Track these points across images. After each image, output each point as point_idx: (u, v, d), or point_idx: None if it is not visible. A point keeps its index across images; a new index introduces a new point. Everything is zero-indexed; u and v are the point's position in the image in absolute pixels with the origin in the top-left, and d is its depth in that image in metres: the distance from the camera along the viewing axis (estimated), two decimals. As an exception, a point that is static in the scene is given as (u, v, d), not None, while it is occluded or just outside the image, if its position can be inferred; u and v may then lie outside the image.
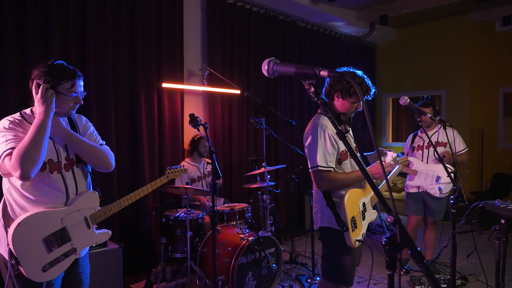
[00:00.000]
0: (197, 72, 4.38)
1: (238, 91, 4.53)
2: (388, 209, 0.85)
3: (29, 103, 1.70)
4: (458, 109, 6.25)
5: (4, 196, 1.68)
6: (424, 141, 3.74)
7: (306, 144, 2.11)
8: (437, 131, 3.69)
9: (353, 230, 2.01)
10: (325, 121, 2.09)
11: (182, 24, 4.11)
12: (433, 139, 3.66)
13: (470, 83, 6.14)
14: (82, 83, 1.73)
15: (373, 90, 2.12)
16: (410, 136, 3.94)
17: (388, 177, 2.49)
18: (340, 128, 0.87)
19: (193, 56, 4.36)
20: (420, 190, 3.66)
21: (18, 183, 1.62)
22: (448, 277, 3.12)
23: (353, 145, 2.30)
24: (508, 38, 6.07)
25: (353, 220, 2.03)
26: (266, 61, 1.02)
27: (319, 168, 1.99)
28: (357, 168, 2.23)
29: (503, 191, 5.75)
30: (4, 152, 1.54)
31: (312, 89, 0.89)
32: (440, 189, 3.54)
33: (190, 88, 4.28)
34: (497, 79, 6.16)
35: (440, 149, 3.61)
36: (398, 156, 2.72)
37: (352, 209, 2.05)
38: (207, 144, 2.72)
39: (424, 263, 0.80)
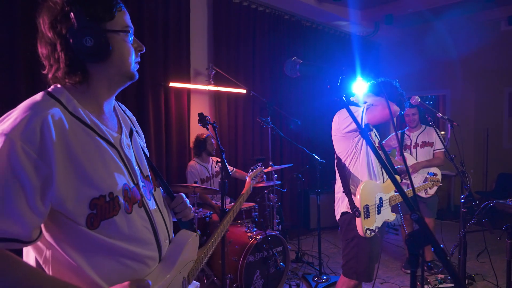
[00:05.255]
0: (203, 71, 4.39)
1: (244, 91, 4.54)
2: (412, 208, 0.86)
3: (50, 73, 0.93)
4: (462, 109, 6.24)
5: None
6: (411, 140, 3.84)
7: (343, 118, 2.21)
8: (422, 131, 3.79)
9: (365, 218, 2.06)
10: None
11: (189, 24, 4.12)
12: (420, 139, 3.80)
13: (475, 83, 6.13)
14: None
15: (407, 107, 2.29)
16: (399, 133, 3.99)
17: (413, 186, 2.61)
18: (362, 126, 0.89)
19: (199, 56, 4.37)
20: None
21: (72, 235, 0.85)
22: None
23: (376, 144, 2.38)
24: (513, 38, 6.06)
25: (366, 207, 2.09)
26: (289, 60, 1.03)
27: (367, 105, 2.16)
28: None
29: (508, 191, 5.75)
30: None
31: (335, 88, 0.90)
32: (425, 190, 3.64)
33: (197, 88, 4.29)
34: (502, 79, 6.15)
35: (427, 149, 3.76)
36: (428, 174, 2.81)
37: (366, 198, 2.12)
38: (216, 142, 2.73)
39: (447, 260, 0.81)
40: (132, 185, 0.97)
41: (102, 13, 0.89)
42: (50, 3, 0.88)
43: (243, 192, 1.66)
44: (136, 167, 1.02)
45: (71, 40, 0.86)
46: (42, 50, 0.91)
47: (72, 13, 0.85)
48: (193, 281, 1.22)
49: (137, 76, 1.01)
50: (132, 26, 0.98)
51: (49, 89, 0.93)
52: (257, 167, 1.93)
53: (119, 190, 0.91)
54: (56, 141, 0.81)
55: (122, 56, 0.94)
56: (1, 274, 0.76)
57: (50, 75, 0.92)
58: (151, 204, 1.03)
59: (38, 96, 0.88)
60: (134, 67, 0.99)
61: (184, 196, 1.22)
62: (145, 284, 0.89)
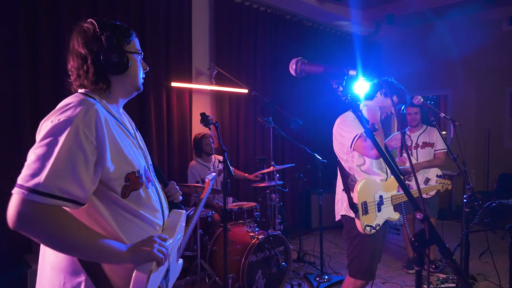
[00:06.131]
0: (205, 71, 4.40)
1: (245, 90, 4.55)
2: (417, 207, 0.86)
3: (76, 82, 1.17)
4: (464, 109, 6.23)
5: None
6: (412, 141, 3.82)
7: (343, 128, 2.22)
8: (423, 131, 3.77)
9: (363, 214, 2.07)
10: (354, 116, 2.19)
11: (191, 24, 4.13)
12: (421, 140, 3.76)
13: (476, 83, 6.13)
14: None
15: (409, 102, 2.29)
16: (399, 133, 3.96)
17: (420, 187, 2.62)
18: (368, 126, 0.89)
19: (201, 56, 4.38)
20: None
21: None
22: (457, 276, 3.12)
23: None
24: (515, 38, 6.06)
25: (364, 204, 2.10)
26: (294, 60, 1.04)
27: (362, 134, 2.12)
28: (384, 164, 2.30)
29: (509, 191, 5.74)
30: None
31: (340, 88, 0.91)
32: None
33: (199, 87, 4.30)
34: (504, 79, 6.14)
35: (427, 150, 3.73)
36: (437, 177, 2.79)
37: (365, 195, 2.13)
38: (218, 141, 2.73)
39: (453, 259, 0.82)
40: (147, 168, 1.23)
41: (124, 38, 1.17)
42: (84, 28, 1.14)
43: (201, 196, 1.90)
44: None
45: (101, 57, 1.12)
46: (74, 64, 1.15)
47: (103, 36, 1.12)
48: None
49: (142, 88, 1.29)
50: (142, 51, 1.26)
51: (83, 91, 1.15)
52: (211, 173, 2.25)
53: (142, 170, 1.17)
54: (105, 128, 1.05)
55: (135, 71, 1.22)
56: (63, 224, 0.97)
57: (77, 83, 1.16)
58: (157, 185, 1.31)
59: (80, 95, 1.11)
60: (141, 81, 1.27)
61: (175, 183, 1.49)
62: (163, 237, 1.14)
